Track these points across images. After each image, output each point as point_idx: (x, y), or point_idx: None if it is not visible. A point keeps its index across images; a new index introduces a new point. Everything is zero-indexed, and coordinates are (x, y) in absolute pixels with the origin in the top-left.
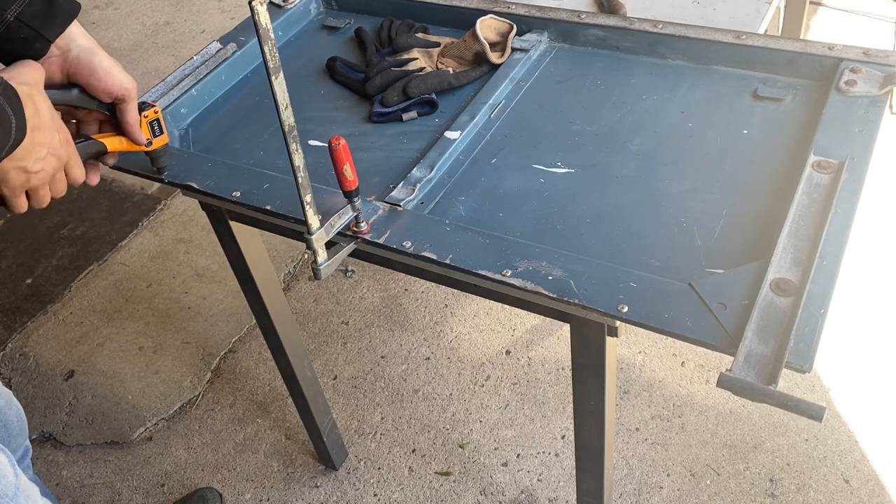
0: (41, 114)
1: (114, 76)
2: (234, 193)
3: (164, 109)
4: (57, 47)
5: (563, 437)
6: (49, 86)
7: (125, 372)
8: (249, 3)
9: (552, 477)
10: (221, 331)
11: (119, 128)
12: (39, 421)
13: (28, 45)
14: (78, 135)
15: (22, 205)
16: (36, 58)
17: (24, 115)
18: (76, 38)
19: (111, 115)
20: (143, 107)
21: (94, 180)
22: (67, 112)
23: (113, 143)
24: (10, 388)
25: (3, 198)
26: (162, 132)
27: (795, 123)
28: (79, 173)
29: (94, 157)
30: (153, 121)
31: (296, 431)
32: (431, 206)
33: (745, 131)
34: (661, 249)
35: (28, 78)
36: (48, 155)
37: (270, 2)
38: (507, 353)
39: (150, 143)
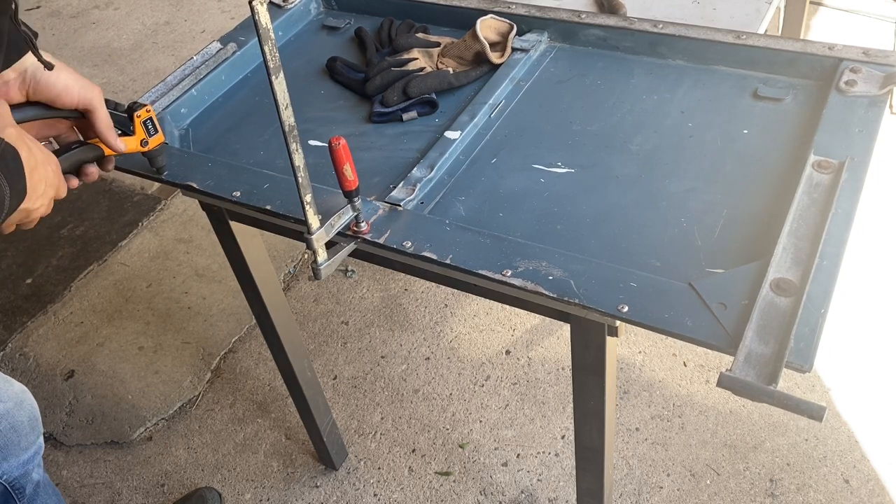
0: (34, 152)
1: (71, 90)
2: (234, 193)
3: (164, 109)
4: (12, 70)
5: (563, 437)
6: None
7: (125, 372)
8: (249, 3)
9: (552, 477)
10: (221, 331)
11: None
12: None
13: None
14: (75, 140)
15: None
16: None
17: (24, 176)
18: (29, 56)
19: (83, 121)
20: (135, 107)
21: (109, 166)
22: (41, 128)
23: None
24: None
25: None
26: (157, 131)
27: (795, 123)
28: (63, 191)
29: (92, 161)
30: (146, 120)
31: (296, 431)
32: (431, 205)
33: (746, 131)
34: (661, 249)
35: (8, 118)
36: (46, 188)
37: (270, 2)
38: (507, 353)
39: (146, 143)
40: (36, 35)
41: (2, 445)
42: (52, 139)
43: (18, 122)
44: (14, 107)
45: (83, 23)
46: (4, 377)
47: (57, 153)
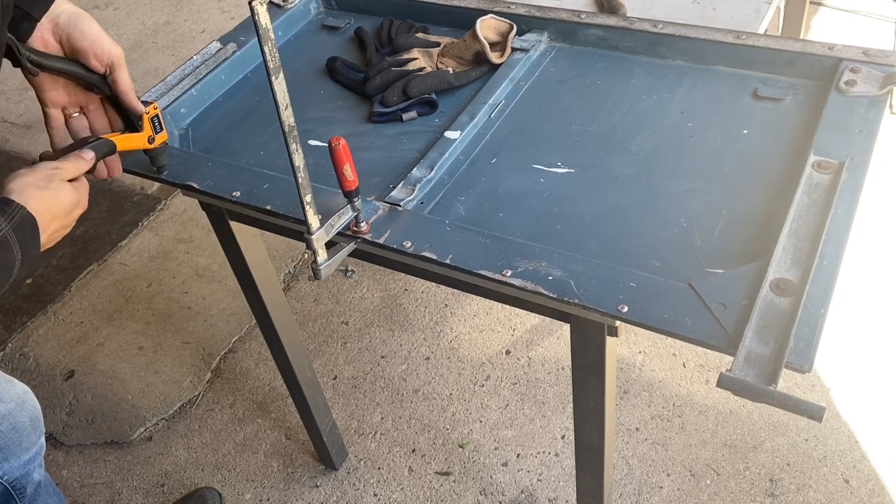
0: (48, 203)
1: (103, 41)
2: (234, 193)
3: (163, 109)
4: (46, 17)
5: (563, 437)
6: (47, 55)
7: (125, 372)
8: (249, 3)
9: (552, 477)
10: (221, 331)
11: (115, 102)
12: None
13: (16, 25)
14: (89, 135)
15: None
16: (24, 37)
17: (38, 245)
18: (61, 3)
19: (108, 94)
20: (143, 104)
21: (116, 171)
22: (73, 95)
23: (121, 141)
24: None
25: None
26: (162, 129)
27: (795, 123)
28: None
29: (106, 155)
30: (153, 117)
31: (296, 431)
32: (431, 206)
33: (745, 131)
34: (660, 249)
35: (34, 181)
36: (66, 229)
37: (270, 2)
38: (507, 353)
39: (152, 140)
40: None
41: (3, 446)
42: (83, 111)
43: (50, 71)
44: (47, 56)
45: None
46: (7, 377)
47: (71, 148)
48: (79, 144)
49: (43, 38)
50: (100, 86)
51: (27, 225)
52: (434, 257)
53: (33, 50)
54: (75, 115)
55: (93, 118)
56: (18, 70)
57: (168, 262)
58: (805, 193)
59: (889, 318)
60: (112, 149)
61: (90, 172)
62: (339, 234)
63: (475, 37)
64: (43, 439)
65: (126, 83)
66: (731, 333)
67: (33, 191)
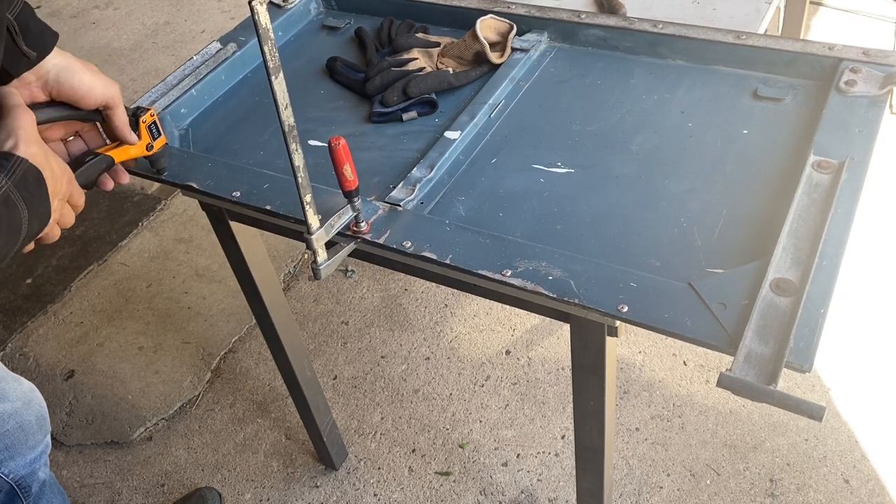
0: (54, 170)
1: (95, 90)
2: (234, 193)
3: (164, 109)
4: (33, 73)
5: (563, 437)
6: (35, 107)
7: (125, 372)
8: (249, 3)
9: (552, 477)
10: (221, 331)
11: (111, 131)
12: None
13: None
14: (86, 151)
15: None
16: None
17: (47, 198)
18: (51, 58)
19: (102, 121)
20: (139, 112)
21: (125, 179)
22: (67, 126)
23: (119, 153)
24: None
25: None
26: (160, 134)
27: (795, 123)
28: (81, 200)
29: (105, 170)
30: (151, 124)
31: (296, 431)
32: (431, 206)
33: (745, 131)
34: (660, 249)
35: (34, 134)
36: (58, 202)
37: (270, 2)
38: (507, 353)
39: (151, 147)
40: (55, 39)
41: (9, 444)
42: (78, 134)
43: (41, 123)
44: (37, 106)
45: (83, 23)
46: (14, 376)
47: (71, 168)
48: (76, 164)
49: (31, 93)
50: (93, 118)
51: (30, 177)
52: (434, 257)
53: None
54: (70, 139)
55: (88, 138)
56: None
57: (168, 262)
58: (805, 193)
59: (889, 318)
60: (110, 164)
61: (89, 188)
62: (339, 234)
63: (475, 37)
64: (48, 438)
65: (121, 119)
66: (731, 333)
67: (36, 146)
